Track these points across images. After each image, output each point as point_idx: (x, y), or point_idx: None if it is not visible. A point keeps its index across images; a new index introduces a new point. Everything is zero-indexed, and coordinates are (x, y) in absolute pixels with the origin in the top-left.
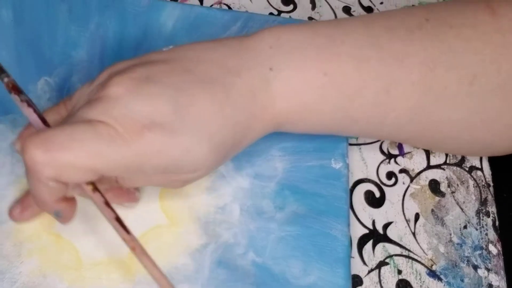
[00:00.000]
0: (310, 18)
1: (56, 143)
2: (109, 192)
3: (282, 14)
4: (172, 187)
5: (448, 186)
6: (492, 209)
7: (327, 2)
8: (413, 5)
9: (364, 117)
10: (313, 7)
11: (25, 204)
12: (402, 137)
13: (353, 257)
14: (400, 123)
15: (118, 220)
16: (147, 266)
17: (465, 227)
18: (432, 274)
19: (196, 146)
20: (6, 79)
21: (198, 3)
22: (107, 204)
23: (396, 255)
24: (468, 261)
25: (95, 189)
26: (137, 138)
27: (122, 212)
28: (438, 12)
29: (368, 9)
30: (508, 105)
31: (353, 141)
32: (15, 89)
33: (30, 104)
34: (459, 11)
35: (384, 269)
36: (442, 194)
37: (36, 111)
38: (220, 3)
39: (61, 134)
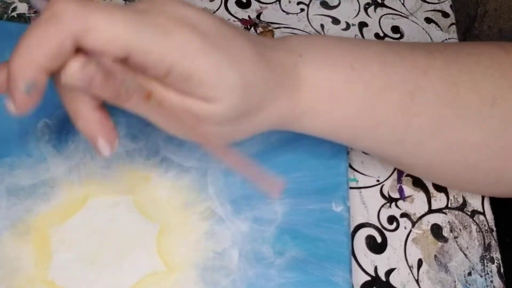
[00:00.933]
0: None
1: (94, 3)
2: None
3: None
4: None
5: (451, 231)
6: (496, 255)
7: None
8: None
9: (388, 120)
10: None
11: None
12: (423, 158)
13: None
14: (424, 133)
15: None
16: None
17: (469, 273)
18: None
19: (228, 68)
20: None
21: None
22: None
23: None
24: None
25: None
26: (177, 32)
27: (119, 257)
28: (454, 46)
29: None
30: None
31: (354, 184)
32: None
33: None
34: (474, 46)
35: None
36: (445, 239)
37: None
38: None
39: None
